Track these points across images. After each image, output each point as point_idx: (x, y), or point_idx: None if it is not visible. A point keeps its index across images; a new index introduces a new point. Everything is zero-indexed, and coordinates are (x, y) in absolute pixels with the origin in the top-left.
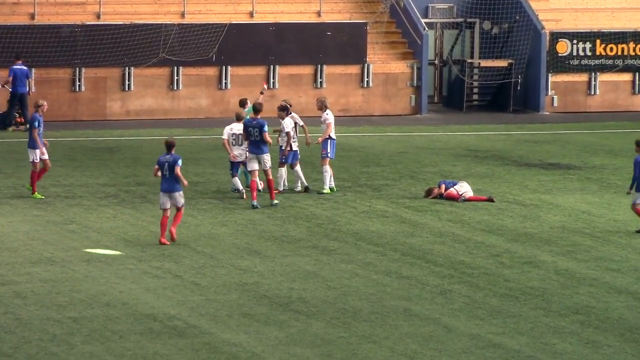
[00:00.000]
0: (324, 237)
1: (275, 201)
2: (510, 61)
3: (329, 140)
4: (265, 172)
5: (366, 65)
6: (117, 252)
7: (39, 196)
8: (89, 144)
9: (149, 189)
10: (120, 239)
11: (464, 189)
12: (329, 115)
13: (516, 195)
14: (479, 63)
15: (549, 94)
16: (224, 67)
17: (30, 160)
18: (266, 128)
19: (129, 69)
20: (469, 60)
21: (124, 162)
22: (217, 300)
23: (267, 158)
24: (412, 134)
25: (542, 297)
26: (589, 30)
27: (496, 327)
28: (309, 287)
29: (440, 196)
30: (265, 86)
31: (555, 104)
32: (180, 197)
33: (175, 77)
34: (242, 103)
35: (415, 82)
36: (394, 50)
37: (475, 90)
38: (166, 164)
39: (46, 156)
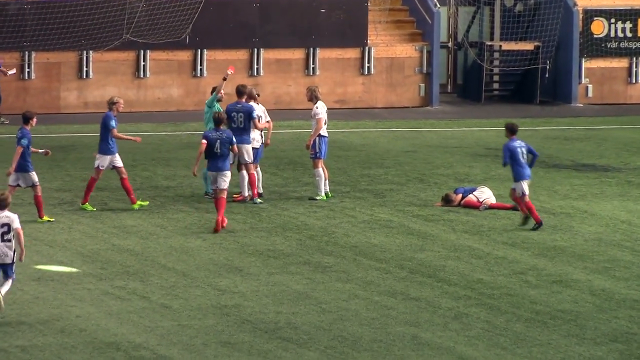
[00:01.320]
0: (317, 251)
1: (258, 200)
2: (536, 44)
3: (317, 138)
4: (245, 165)
5: (367, 48)
6: (74, 270)
7: (90, 208)
8: (40, 141)
9: (110, 195)
10: (76, 254)
11: (485, 194)
12: (319, 109)
13: (544, 202)
14: (500, 46)
15: (583, 82)
16: (199, 50)
17: (96, 165)
18: (255, 114)
19: (86, 53)
20: (489, 43)
21: (81, 163)
22: (191, 326)
23: (249, 149)
24: (421, 130)
25: (574, 322)
26: (630, 7)
27: (521, 357)
28: (299, 310)
29: (459, 205)
30: (230, 71)
31: (590, 94)
32: (227, 178)
33: (142, 63)
34: (239, 92)
35: (424, 68)
36: (399, 31)
37: (496, 78)
38: (218, 140)
39: (120, 163)
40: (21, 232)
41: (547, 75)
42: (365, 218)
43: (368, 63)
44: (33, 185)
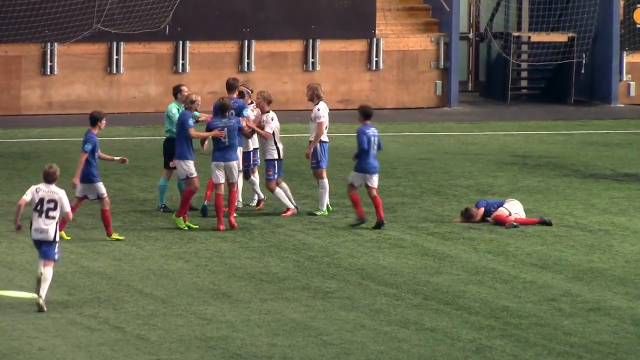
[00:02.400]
0: (318, 274)
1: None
2: (570, 35)
3: (318, 145)
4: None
5: (375, 40)
6: (36, 295)
7: (192, 225)
8: None
9: (79, 209)
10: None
11: (516, 207)
12: (320, 111)
13: (579, 218)
14: (529, 37)
15: (624, 79)
16: (180, 42)
17: (184, 177)
18: (246, 112)
19: (51, 45)
20: (515, 34)
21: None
22: None
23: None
24: (437, 134)
25: (614, 356)
26: None
27: None
28: (297, 342)
29: (483, 220)
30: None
31: (632, 93)
32: (238, 167)
33: (115, 57)
34: (231, 87)
35: (441, 63)
36: (412, 20)
37: (524, 74)
38: (226, 129)
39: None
40: (71, 217)
41: (582, 71)
42: (372, 236)
43: (376, 57)
44: (99, 198)
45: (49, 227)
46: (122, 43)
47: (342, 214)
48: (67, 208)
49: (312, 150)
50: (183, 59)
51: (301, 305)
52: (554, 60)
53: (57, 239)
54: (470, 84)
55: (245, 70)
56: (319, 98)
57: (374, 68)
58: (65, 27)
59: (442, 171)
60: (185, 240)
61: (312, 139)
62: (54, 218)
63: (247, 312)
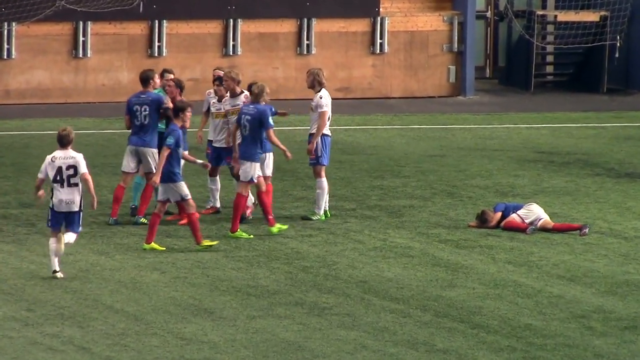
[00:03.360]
0: (313, 287)
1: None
2: (603, 13)
3: (319, 138)
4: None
5: (379, 19)
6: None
7: (281, 227)
8: None
9: (39, 213)
10: None
11: (534, 214)
12: (323, 100)
13: (613, 223)
14: (555, 16)
15: None
16: (156, 22)
17: (248, 178)
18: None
19: (8, 25)
20: (540, 12)
21: (0, 171)
22: None
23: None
24: (451, 127)
25: None
26: None
27: None
28: None
29: (499, 225)
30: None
31: None
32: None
33: (81, 39)
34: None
35: (455, 45)
36: None
37: (550, 58)
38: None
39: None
40: (89, 178)
41: (616, 56)
42: (376, 244)
43: (380, 39)
44: (183, 200)
45: (73, 196)
46: (89, 23)
47: (342, 218)
48: (84, 169)
49: (315, 144)
50: (159, 41)
51: (294, 323)
52: (584, 43)
53: (82, 208)
54: (488, 70)
55: (231, 53)
56: (321, 85)
57: (378, 51)
58: (24, 4)
59: (456, 170)
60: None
61: (315, 132)
62: (76, 185)
63: (232, 331)
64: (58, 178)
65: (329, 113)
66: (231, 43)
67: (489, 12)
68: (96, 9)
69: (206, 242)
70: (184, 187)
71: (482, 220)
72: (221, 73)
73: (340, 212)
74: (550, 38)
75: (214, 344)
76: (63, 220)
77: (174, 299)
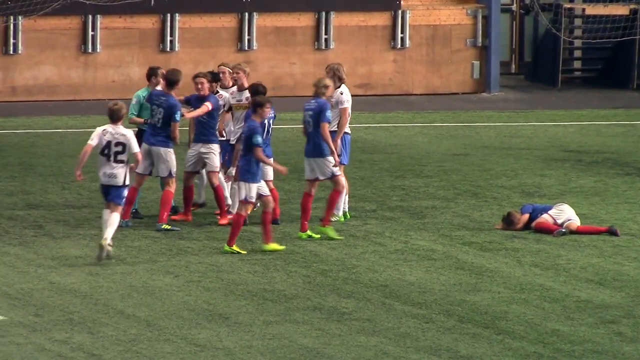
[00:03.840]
0: (332, 292)
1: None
2: (633, 7)
3: (343, 136)
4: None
5: (400, 12)
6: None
7: (320, 234)
8: None
9: (47, 214)
10: (1, 295)
11: (565, 214)
12: (344, 95)
13: None
14: (583, 10)
15: None
16: (168, 15)
17: (329, 174)
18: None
19: (14, 19)
20: (567, 6)
21: (6, 171)
22: None
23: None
24: (475, 125)
25: None
26: None
27: None
28: None
29: (526, 227)
30: None
31: None
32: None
33: (91, 33)
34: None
35: (479, 40)
36: None
37: (577, 53)
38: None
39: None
40: (140, 159)
41: None
42: (398, 246)
43: (402, 33)
44: (332, 177)
45: (117, 171)
46: (98, 16)
47: (362, 219)
48: (136, 149)
49: (338, 142)
50: (171, 35)
51: (312, 329)
52: (613, 37)
53: (127, 182)
54: (513, 66)
55: (246, 48)
56: (341, 80)
57: (399, 46)
58: None
59: (480, 169)
60: (175, 252)
61: (336, 129)
62: (122, 162)
63: (248, 337)
64: (105, 152)
65: (349, 110)
66: (246, 37)
67: (515, 5)
68: (106, 2)
69: (273, 246)
70: (263, 187)
71: (509, 222)
72: (226, 70)
73: (360, 214)
74: (578, 32)
75: (229, 351)
76: (107, 193)
77: (187, 303)
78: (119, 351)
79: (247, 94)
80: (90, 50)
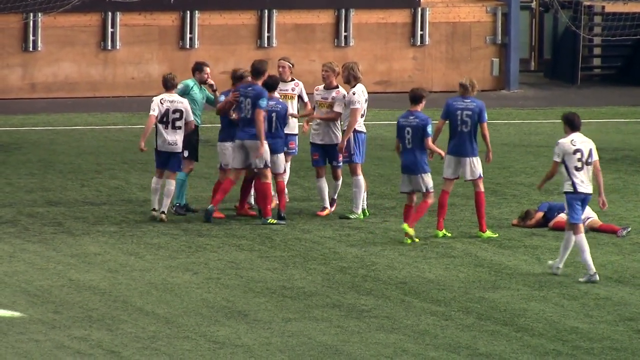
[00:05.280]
0: (351, 289)
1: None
2: None
3: (352, 135)
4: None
5: (420, 10)
6: (16, 314)
7: (444, 233)
8: None
9: (66, 211)
10: (20, 292)
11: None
12: (356, 96)
13: None
14: (603, 7)
15: None
16: (188, 13)
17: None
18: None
19: (34, 16)
20: (587, 3)
21: (26, 168)
22: None
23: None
24: (494, 122)
25: None
26: None
27: None
28: None
29: (544, 224)
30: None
31: None
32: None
33: (110, 30)
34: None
35: (499, 37)
36: None
37: (597, 50)
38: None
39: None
40: (193, 125)
41: None
42: (417, 244)
43: (421, 30)
44: (427, 191)
45: (177, 137)
46: (118, 13)
47: (381, 217)
48: (190, 117)
49: (345, 142)
50: (191, 33)
51: (331, 326)
52: (633, 35)
53: (183, 149)
54: (533, 63)
55: (265, 45)
56: (357, 80)
57: (419, 43)
58: None
59: (499, 166)
60: (194, 249)
61: (346, 129)
62: (180, 128)
63: (267, 334)
64: (164, 120)
65: (362, 110)
66: (266, 35)
67: (534, 2)
68: None
69: (443, 232)
70: (430, 179)
71: (523, 218)
72: (287, 64)
73: (379, 211)
74: (597, 30)
75: (248, 348)
76: (166, 160)
77: (206, 300)
78: (137, 348)
79: (333, 93)
80: (109, 48)
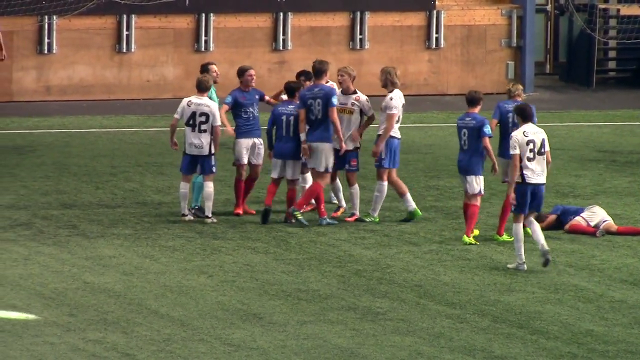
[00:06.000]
0: (367, 291)
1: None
2: None
3: (388, 140)
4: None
5: (435, 12)
6: (31, 317)
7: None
8: None
9: (81, 214)
10: (35, 295)
11: (597, 216)
12: (394, 101)
13: None
14: (618, 10)
15: None
16: (203, 15)
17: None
18: (334, 100)
19: (49, 18)
20: (602, 6)
21: (41, 171)
22: None
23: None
24: None
25: None
26: None
27: None
28: None
29: (559, 226)
30: None
31: None
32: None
33: (125, 33)
34: (318, 72)
35: (514, 40)
36: None
37: (612, 54)
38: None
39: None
40: (219, 132)
41: None
42: (432, 247)
43: (436, 33)
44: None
45: (203, 140)
46: (133, 16)
47: (396, 220)
48: (218, 122)
49: (380, 147)
50: (206, 35)
51: (347, 329)
52: None
53: (212, 151)
54: (548, 66)
55: (280, 48)
56: (394, 85)
57: (434, 46)
58: None
59: None
60: (209, 252)
61: (381, 133)
62: (206, 131)
63: (282, 336)
64: (191, 122)
65: (398, 115)
66: (281, 37)
67: (549, 5)
68: (140, 2)
69: (471, 238)
70: (481, 181)
71: (537, 220)
72: (348, 73)
73: (395, 213)
74: (612, 33)
75: (264, 351)
76: (196, 163)
77: (221, 303)
78: (152, 351)
79: (352, 98)
80: (124, 50)
